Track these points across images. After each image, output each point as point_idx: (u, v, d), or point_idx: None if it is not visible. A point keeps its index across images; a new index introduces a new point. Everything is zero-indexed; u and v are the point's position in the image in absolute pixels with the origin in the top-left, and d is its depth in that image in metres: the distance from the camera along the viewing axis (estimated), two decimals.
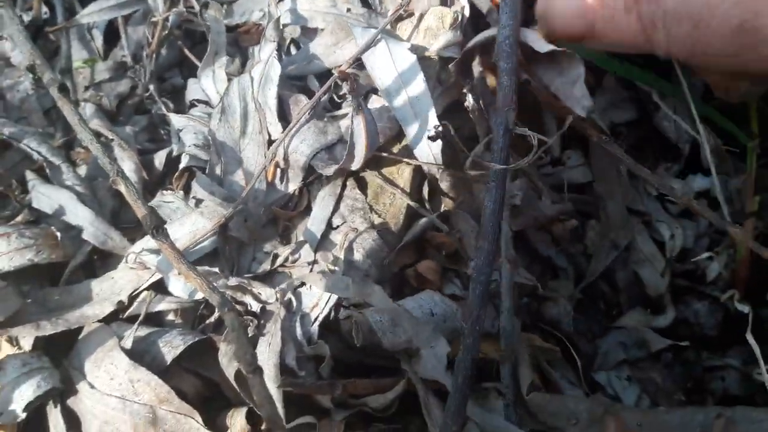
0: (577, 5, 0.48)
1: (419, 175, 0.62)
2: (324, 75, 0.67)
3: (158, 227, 0.51)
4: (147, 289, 0.57)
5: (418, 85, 0.60)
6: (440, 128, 0.54)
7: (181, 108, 0.70)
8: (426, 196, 0.61)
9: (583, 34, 0.48)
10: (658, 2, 0.43)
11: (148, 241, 0.58)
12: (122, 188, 0.54)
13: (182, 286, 0.56)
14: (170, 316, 0.57)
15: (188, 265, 0.49)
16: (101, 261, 0.62)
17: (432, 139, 0.55)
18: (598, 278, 0.65)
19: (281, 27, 0.68)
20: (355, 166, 0.60)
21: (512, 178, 0.59)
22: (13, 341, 0.53)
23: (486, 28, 0.62)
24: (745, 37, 0.40)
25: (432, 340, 0.54)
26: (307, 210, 0.63)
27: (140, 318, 0.54)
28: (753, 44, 0.40)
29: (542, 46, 0.56)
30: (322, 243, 0.60)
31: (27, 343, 0.53)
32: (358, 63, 0.63)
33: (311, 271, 0.58)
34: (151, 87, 0.69)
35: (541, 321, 0.61)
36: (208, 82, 0.66)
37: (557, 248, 0.64)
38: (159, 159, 0.66)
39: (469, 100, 0.61)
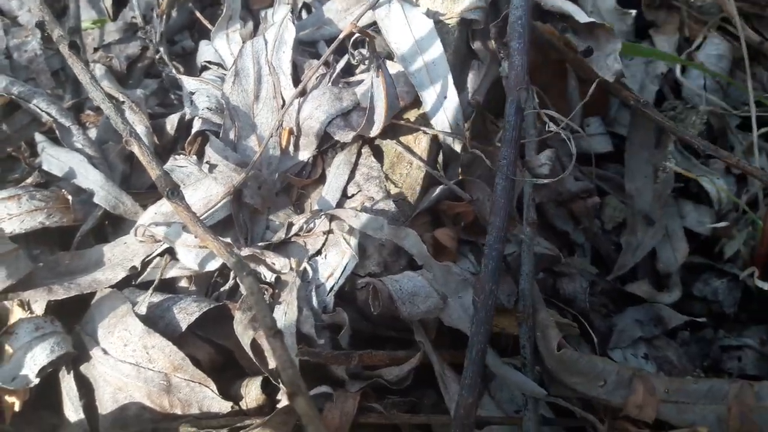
0: None
1: (437, 144, 0.61)
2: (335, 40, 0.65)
3: (173, 189, 0.50)
4: (160, 255, 0.56)
5: (435, 50, 0.59)
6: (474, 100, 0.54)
7: (192, 71, 0.69)
8: (441, 166, 0.60)
9: None
10: None
11: (160, 206, 0.57)
12: (136, 149, 0.52)
13: (193, 257, 0.54)
14: (183, 283, 0.56)
15: (205, 228, 0.49)
16: (112, 226, 0.61)
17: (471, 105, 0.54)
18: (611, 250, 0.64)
19: None
20: (374, 132, 0.58)
21: (539, 148, 0.58)
22: (25, 305, 0.52)
23: None
24: None
25: (460, 290, 0.54)
26: (322, 178, 0.62)
27: (155, 283, 0.53)
28: None
29: (582, 16, 0.55)
30: None
31: (39, 308, 0.52)
32: (373, 28, 0.62)
33: (326, 241, 0.57)
34: (162, 49, 0.67)
35: (556, 297, 0.60)
36: (222, 44, 0.65)
37: (575, 225, 0.63)
38: (171, 123, 0.64)
39: (504, 68, 0.60)
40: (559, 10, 0.57)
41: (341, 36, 0.57)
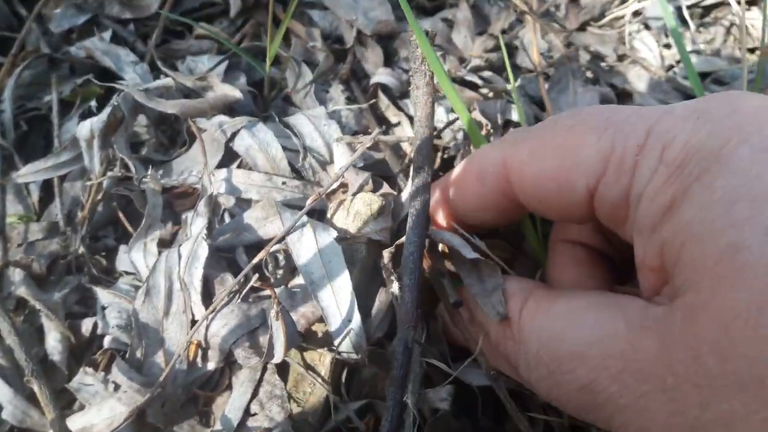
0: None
1: (341, 362, 0.63)
2: (254, 246, 0.68)
3: None
4: None
5: (342, 276, 0.62)
6: None
7: (113, 269, 0.71)
8: (344, 387, 0.63)
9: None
10: (520, 345, 0.50)
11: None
12: (36, 389, 0.54)
13: None
14: None
15: None
16: None
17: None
18: None
19: (215, 197, 0.69)
20: (276, 361, 0.61)
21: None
22: None
23: None
24: (587, 397, 0.43)
25: None
26: (228, 387, 0.64)
27: None
28: (594, 404, 0.43)
29: (468, 252, 0.58)
30: (239, 431, 0.61)
31: None
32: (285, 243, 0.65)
33: None
34: (82, 250, 0.69)
35: None
36: (139, 256, 0.67)
37: None
38: (86, 326, 0.67)
39: (395, 290, 0.62)
40: (448, 244, 0.59)
41: (246, 269, 0.60)
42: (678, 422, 0.38)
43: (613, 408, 0.42)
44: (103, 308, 0.65)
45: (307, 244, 0.63)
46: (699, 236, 0.38)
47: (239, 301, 0.64)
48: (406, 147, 0.76)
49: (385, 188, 0.71)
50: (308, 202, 0.64)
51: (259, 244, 0.68)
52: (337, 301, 0.62)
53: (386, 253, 0.63)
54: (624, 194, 0.45)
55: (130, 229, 0.71)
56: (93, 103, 0.80)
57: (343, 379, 0.63)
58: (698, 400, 0.37)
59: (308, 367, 0.63)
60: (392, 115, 0.82)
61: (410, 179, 0.62)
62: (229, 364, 0.64)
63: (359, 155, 0.67)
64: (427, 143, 0.60)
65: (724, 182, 0.38)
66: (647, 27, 0.99)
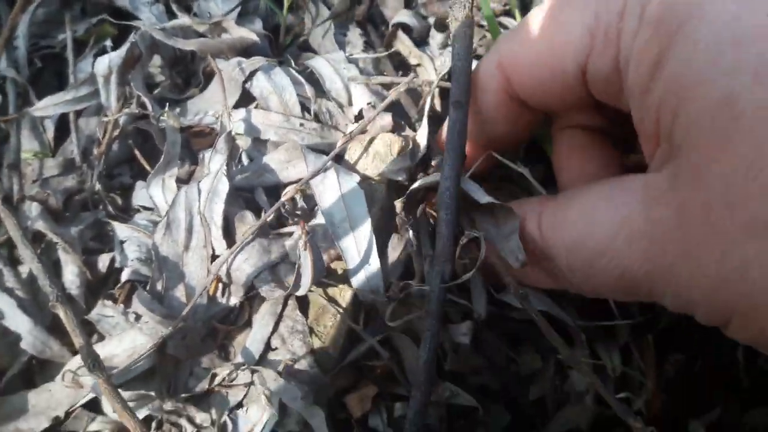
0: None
1: (359, 300, 0.63)
2: (273, 188, 0.68)
3: (95, 361, 0.51)
4: (84, 406, 0.57)
5: (362, 219, 0.62)
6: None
7: (129, 206, 0.71)
8: (362, 323, 0.63)
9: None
10: (553, 261, 0.51)
11: None
12: (61, 314, 0.54)
13: None
14: None
15: (124, 405, 0.50)
16: (40, 367, 0.62)
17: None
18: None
19: (233, 136, 0.69)
20: (301, 293, 0.61)
21: (461, 318, 0.62)
22: None
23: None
24: (627, 283, 0.45)
25: None
26: (248, 323, 0.64)
27: None
28: (633, 286, 0.45)
29: (481, 197, 0.58)
30: (260, 364, 0.61)
31: None
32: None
33: (247, 393, 0.59)
34: (98, 187, 0.69)
35: None
36: (157, 191, 0.67)
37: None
38: (102, 262, 0.66)
39: (410, 237, 0.62)
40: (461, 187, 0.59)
41: (276, 206, 0.60)
42: (703, 280, 0.39)
43: (650, 283, 0.43)
44: (122, 242, 0.65)
45: (330, 187, 0.63)
46: (691, 90, 0.38)
47: (259, 237, 0.64)
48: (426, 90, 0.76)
49: (405, 129, 0.71)
50: (338, 144, 0.65)
51: (278, 186, 0.68)
52: (356, 243, 0.62)
53: (398, 204, 0.63)
54: (614, 64, 0.45)
55: (146, 166, 0.71)
56: (108, 43, 0.79)
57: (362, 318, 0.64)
58: (718, 254, 0.38)
59: (330, 300, 0.63)
60: (412, 57, 0.81)
61: (435, 114, 0.62)
62: (248, 299, 0.64)
63: (390, 101, 0.66)
64: (465, 77, 0.59)
65: (705, 30, 0.37)
66: None
